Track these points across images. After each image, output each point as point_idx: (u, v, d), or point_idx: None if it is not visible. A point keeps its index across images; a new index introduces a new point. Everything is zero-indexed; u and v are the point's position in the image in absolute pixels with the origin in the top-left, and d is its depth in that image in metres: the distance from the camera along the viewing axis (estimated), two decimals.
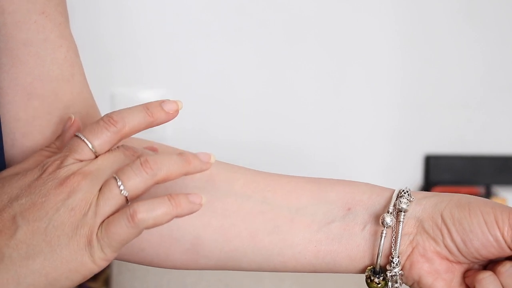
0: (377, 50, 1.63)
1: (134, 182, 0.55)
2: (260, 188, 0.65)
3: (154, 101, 0.60)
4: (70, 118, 0.62)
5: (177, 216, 0.56)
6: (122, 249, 0.64)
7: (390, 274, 0.62)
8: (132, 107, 0.59)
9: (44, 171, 0.57)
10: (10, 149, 0.64)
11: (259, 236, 0.64)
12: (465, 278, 0.62)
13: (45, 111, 0.63)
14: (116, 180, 0.55)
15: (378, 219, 0.63)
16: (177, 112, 0.61)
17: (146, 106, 0.60)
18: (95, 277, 1.58)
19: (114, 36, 1.57)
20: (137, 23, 1.56)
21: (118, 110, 0.59)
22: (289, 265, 0.65)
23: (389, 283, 0.62)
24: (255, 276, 1.35)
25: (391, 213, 0.62)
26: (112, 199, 0.55)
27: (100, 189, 0.55)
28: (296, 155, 1.65)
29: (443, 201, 0.62)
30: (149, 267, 1.38)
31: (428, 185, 1.66)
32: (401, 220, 0.62)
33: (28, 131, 0.63)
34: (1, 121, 0.63)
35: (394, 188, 0.65)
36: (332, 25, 1.61)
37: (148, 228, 0.55)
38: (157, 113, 0.60)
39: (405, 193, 0.63)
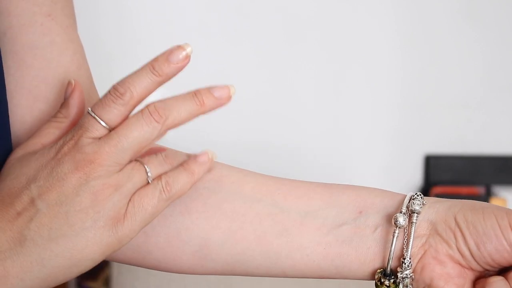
0: (377, 50, 1.63)
1: (159, 170, 0.57)
2: (270, 192, 0.65)
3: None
4: (70, 83, 0.61)
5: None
6: (128, 252, 0.64)
7: (401, 275, 0.61)
8: (142, 76, 0.59)
9: (59, 151, 0.56)
10: None
11: (267, 238, 0.63)
12: (476, 286, 0.61)
13: (51, 114, 0.63)
14: (143, 165, 0.57)
15: (390, 222, 0.62)
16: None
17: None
18: (95, 277, 1.58)
19: (114, 36, 1.57)
20: (137, 23, 1.56)
21: (124, 79, 0.58)
22: (297, 269, 0.64)
23: (400, 285, 0.61)
24: (255, 278, 1.35)
25: (404, 213, 0.61)
26: (138, 183, 0.57)
27: (123, 170, 0.56)
28: (296, 155, 1.65)
29: (456, 205, 0.61)
30: None
31: (428, 185, 1.66)
32: (414, 221, 0.61)
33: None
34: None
35: (404, 194, 0.64)
36: (332, 25, 1.61)
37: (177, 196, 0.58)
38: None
39: (417, 195, 0.62)
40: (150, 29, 1.57)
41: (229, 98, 0.60)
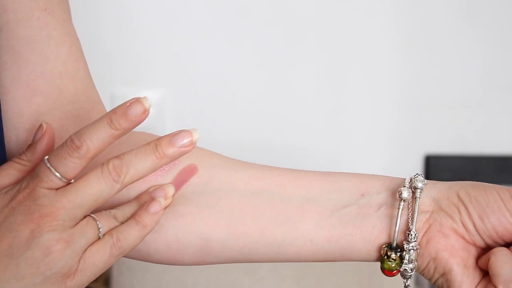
0: (377, 50, 1.63)
1: (110, 225, 0.57)
2: (266, 185, 0.65)
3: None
4: (41, 126, 0.60)
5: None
6: (130, 253, 0.65)
7: (407, 247, 0.61)
8: (99, 130, 0.57)
9: (13, 198, 0.56)
10: (14, 145, 0.64)
11: (270, 229, 0.63)
12: (478, 262, 0.61)
13: (49, 107, 0.63)
14: (96, 221, 0.57)
15: (393, 199, 0.62)
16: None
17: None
18: None
19: (114, 36, 1.57)
20: (137, 23, 1.56)
21: (81, 130, 0.57)
22: (301, 255, 0.64)
23: (406, 256, 0.61)
24: (255, 275, 1.35)
25: (407, 188, 0.62)
26: (90, 239, 0.56)
27: (77, 225, 0.56)
28: (296, 155, 1.65)
29: (457, 184, 0.64)
30: (149, 267, 1.37)
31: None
32: (418, 196, 0.62)
33: (32, 127, 0.63)
34: (4, 118, 0.63)
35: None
36: (332, 25, 1.61)
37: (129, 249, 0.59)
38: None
39: (419, 175, 0.63)
40: (150, 29, 1.57)
41: (192, 144, 0.59)
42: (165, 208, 0.61)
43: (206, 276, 1.35)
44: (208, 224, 0.63)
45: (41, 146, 0.60)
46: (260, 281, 1.35)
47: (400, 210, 0.61)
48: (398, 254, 0.62)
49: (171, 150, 0.58)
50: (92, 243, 0.57)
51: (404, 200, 0.62)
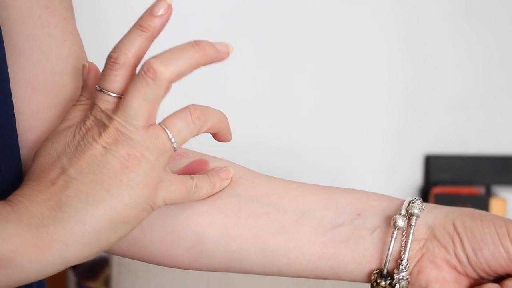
0: (377, 51, 1.63)
1: (183, 134, 0.58)
2: (265, 192, 0.65)
3: (143, 17, 0.60)
4: (84, 66, 0.62)
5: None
6: (124, 245, 0.65)
7: (398, 277, 0.60)
8: (131, 33, 0.60)
9: (82, 127, 0.58)
10: None
11: (263, 237, 0.63)
12: None
13: (50, 105, 0.63)
14: (167, 133, 0.58)
15: (388, 224, 0.62)
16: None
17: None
18: (95, 277, 1.58)
19: (114, 36, 1.57)
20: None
21: (116, 45, 0.60)
22: (293, 268, 0.63)
23: (396, 286, 0.60)
24: (255, 276, 1.35)
25: (403, 215, 0.61)
26: (166, 153, 0.58)
27: (145, 138, 0.57)
28: (296, 155, 1.65)
29: (454, 211, 0.62)
30: (149, 266, 1.37)
31: (428, 185, 1.66)
32: (413, 224, 0.61)
33: (32, 125, 0.63)
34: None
35: (403, 198, 0.64)
36: (332, 26, 1.61)
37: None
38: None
39: (416, 200, 0.62)
40: None
41: (227, 54, 0.61)
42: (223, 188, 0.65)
43: (206, 277, 1.35)
44: (205, 220, 0.64)
45: (91, 80, 0.61)
46: (260, 283, 1.35)
47: (393, 239, 0.60)
48: (388, 282, 0.61)
49: (211, 50, 0.61)
50: (177, 182, 0.59)
51: (398, 229, 0.61)
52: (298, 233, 0.63)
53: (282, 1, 1.60)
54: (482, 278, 0.61)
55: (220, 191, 0.65)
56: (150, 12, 0.60)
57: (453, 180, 1.66)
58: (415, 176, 1.67)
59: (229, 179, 0.65)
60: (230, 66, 1.61)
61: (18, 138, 0.63)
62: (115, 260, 1.39)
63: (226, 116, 0.62)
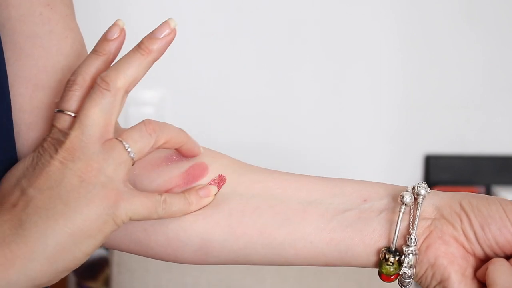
0: (377, 51, 1.63)
1: (139, 145, 0.59)
2: (267, 187, 0.65)
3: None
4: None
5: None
6: (131, 245, 0.65)
7: (406, 250, 0.61)
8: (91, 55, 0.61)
9: (40, 148, 0.59)
10: (16, 141, 0.64)
11: (269, 230, 0.63)
12: (477, 273, 0.61)
13: (51, 102, 0.63)
14: (123, 143, 0.58)
15: (395, 205, 0.62)
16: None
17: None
18: (95, 277, 1.58)
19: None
20: (137, 23, 1.56)
21: (75, 69, 0.61)
22: (301, 257, 0.64)
23: (405, 260, 0.61)
24: (256, 276, 1.35)
25: (410, 192, 0.62)
26: (123, 164, 0.58)
27: (102, 151, 0.57)
28: (296, 155, 1.65)
29: (459, 194, 0.63)
30: (149, 267, 1.37)
31: (428, 185, 1.65)
32: (420, 202, 0.61)
33: (33, 122, 0.63)
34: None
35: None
36: (332, 26, 1.61)
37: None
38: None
39: (422, 183, 0.63)
40: (150, 29, 1.57)
41: (173, 31, 0.61)
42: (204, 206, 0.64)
43: (207, 277, 1.35)
44: (210, 224, 0.64)
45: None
46: (263, 282, 1.35)
47: (401, 214, 0.61)
48: (397, 258, 0.61)
49: (155, 44, 0.61)
50: (141, 195, 0.59)
51: (405, 204, 0.61)
52: (305, 222, 0.63)
53: (282, 1, 1.59)
54: (489, 258, 0.61)
55: (221, 191, 0.65)
56: (105, 37, 0.61)
57: (453, 180, 1.66)
58: (415, 176, 1.67)
59: (211, 196, 0.64)
60: (230, 66, 1.62)
61: (20, 136, 0.63)
62: (115, 260, 1.39)
63: (185, 132, 0.63)
